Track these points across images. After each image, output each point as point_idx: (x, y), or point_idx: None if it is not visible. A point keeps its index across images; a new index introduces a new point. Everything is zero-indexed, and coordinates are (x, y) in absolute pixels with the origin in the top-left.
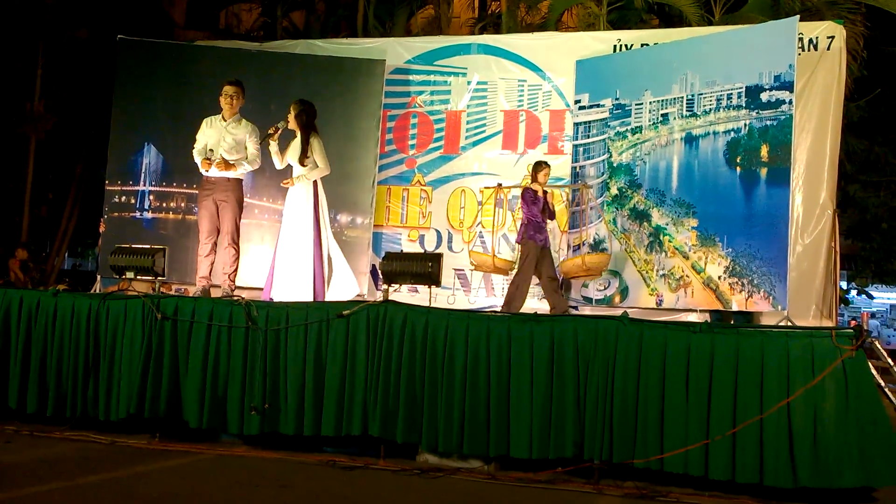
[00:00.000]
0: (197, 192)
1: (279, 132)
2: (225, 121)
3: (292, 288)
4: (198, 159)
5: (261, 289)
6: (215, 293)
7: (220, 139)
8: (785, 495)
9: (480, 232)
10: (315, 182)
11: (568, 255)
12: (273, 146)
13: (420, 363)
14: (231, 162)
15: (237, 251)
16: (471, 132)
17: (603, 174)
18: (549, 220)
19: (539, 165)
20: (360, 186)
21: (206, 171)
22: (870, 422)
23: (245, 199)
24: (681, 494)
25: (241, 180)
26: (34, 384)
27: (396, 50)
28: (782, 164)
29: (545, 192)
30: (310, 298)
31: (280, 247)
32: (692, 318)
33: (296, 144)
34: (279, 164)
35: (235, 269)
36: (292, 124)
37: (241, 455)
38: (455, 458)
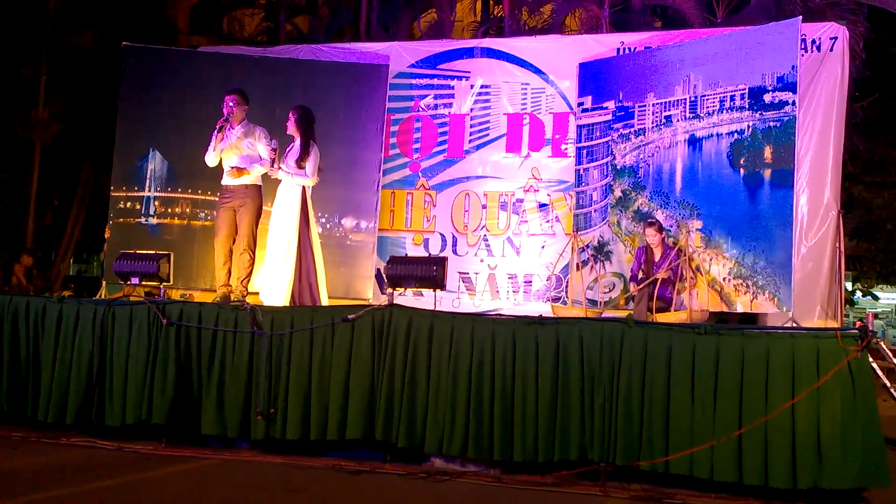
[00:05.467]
0: (202, 197)
1: (276, 151)
2: (233, 128)
3: (276, 291)
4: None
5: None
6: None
7: (231, 147)
8: (791, 496)
9: (485, 235)
10: (303, 187)
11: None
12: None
13: (425, 367)
14: (242, 168)
15: (252, 257)
16: (474, 135)
17: (607, 176)
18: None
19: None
20: (365, 190)
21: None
22: (869, 422)
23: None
24: (687, 496)
25: (260, 186)
26: (40, 390)
27: (399, 54)
28: (786, 166)
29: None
30: (282, 302)
31: (267, 250)
32: None
33: (294, 148)
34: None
35: (249, 275)
36: (292, 129)
37: (247, 460)
38: (461, 462)
